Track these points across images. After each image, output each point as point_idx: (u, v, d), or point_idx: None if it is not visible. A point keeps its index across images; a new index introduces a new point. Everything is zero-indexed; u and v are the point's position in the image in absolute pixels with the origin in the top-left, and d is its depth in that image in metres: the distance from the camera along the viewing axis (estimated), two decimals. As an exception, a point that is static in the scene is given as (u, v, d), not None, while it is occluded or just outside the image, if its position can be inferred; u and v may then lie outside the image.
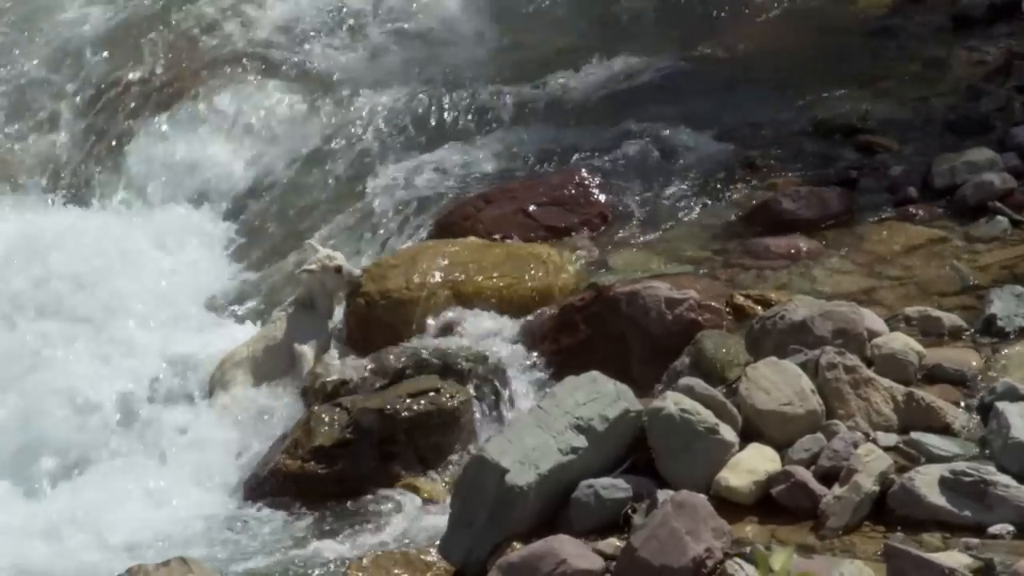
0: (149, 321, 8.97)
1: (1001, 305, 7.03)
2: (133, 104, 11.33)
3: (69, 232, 9.87)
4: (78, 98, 11.53)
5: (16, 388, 8.62)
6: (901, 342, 6.63)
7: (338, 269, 8.20)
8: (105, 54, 11.81)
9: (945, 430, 6.12)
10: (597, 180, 9.06)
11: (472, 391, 7.62)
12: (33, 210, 10.55)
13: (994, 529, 5.57)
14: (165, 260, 9.68)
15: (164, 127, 10.98)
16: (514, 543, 5.89)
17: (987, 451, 5.96)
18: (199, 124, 10.92)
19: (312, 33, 11.63)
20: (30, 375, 8.66)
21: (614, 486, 5.97)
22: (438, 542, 6.30)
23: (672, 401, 6.09)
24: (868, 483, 5.75)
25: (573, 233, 8.75)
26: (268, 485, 7.60)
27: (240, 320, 9.06)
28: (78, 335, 8.87)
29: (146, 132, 11.02)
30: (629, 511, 5.89)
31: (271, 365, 8.19)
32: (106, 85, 11.55)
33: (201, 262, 9.77)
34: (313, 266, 8.22)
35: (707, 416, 6.07)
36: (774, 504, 5.87)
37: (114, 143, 11.11)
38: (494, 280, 8.26)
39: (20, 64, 11.93)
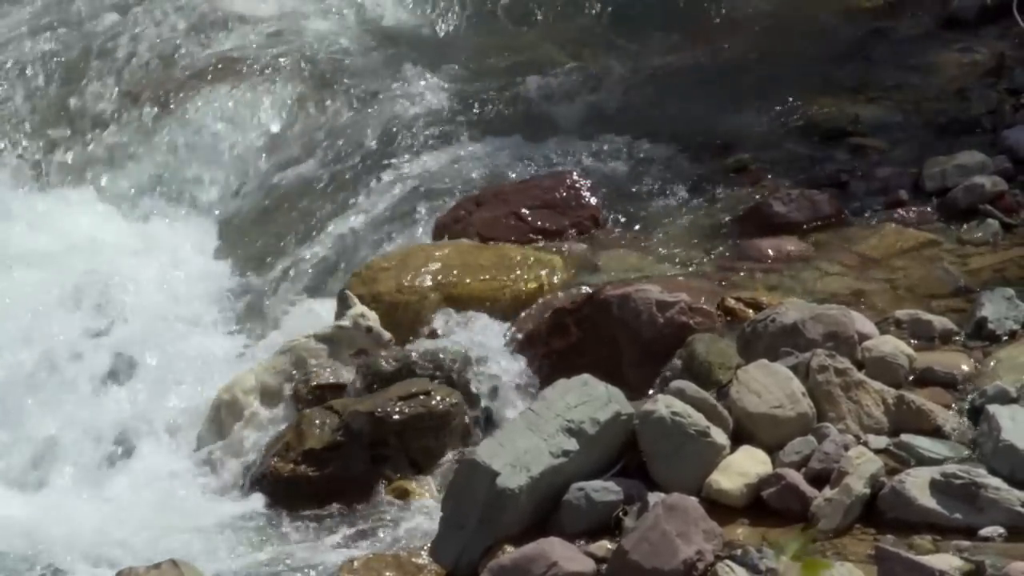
0: (142, 326, 8.96)
1: (992, 308, 7.04)
2: (121, 105, 11.33)
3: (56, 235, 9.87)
4: (65, 99, 11.54)
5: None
6: (892, 345, 6.64)
7: (368, 330, 8.08)
8: (89, 55, 11.81)
9: (936, 433, 6.13)
10: (588, 183, 9.05)
11: (463, 394, 7.62)
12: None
13: (985, 531, 5.58)
14: (156, 266, 9.67)
15: (153, 128, 10.98)
16: (505, 546, 5.89)
17: (978, 454, 5.97)
18: (189, 126, 10.91)
19: (302, 36, 11.62)
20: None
21: (605, 489, 5.97)
22: (429, 545, 6.30)
23: (663, 404, 6.09)
24: (859, 485, 5.75)
25: (564, 235, 8.75)
26: (259, 487, 7.59)
27: (231, 327, 9.06)
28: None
29: (136, 133, 11.03)
30: (620, 514, 5.90)
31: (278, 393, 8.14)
32: (93, 87, 11.55)
33: (194, 266, 9.76)
34: (346, 322, 8.11)
35: (698, 419, 6.07)
36: (765, 506, 5.88)
37: (103, 144, 11.12)
38: (485, 283, 8.26)
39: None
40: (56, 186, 10.88)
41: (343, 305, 8.16)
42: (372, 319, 8.06)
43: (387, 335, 8.03)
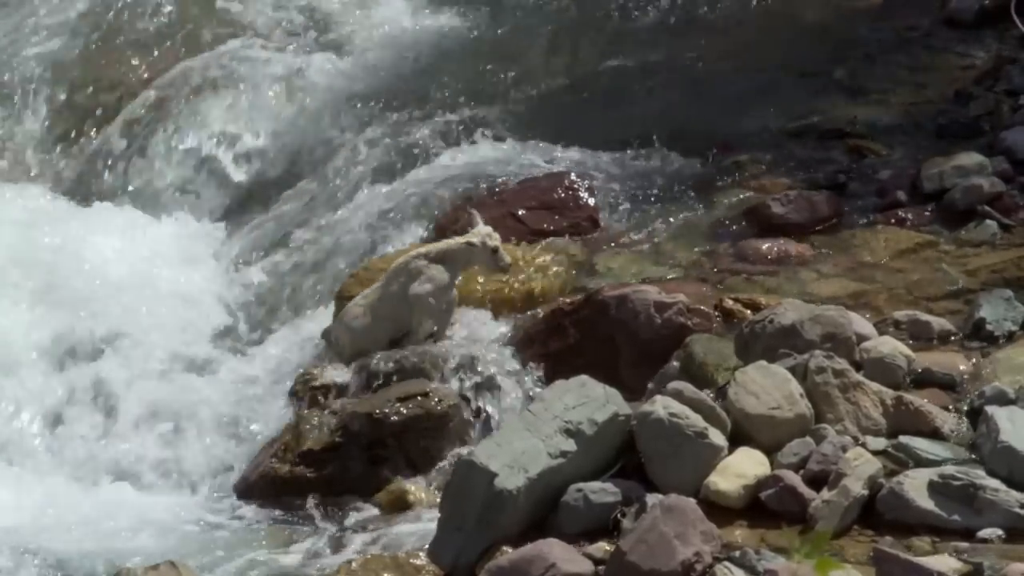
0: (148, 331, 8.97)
1: (990, 309, 7.04)
2: (120, 111, 11.33)
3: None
4: (70, 105, 11.53)
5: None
6: (890, 346, 6.64)
7: (495, 251, 8.01)
8: (88, 61, 11.81)
9: (934, 434, 6.12)
10: (586, 184, 9.05)
11: (461, 395, 7.62)
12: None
13: (983, 533, 5.57)
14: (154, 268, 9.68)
15: (153, 137, 10.98)
16: (503, 547, 5.88)
17: (976, 455, 5.96)
18: (191, 131, 10.92)
19: (304, 42, 11.63)
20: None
21: (603, 490, 5.96)
22: (427, 546, 6.29)
23: (661, 405, 6.08)
24: (857, 487, 5.75)
25: (562, 237, 8.74)
26: (257, 489, 7.61)
27: (228, 327, 9.07)
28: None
29: (137, 136, 11.03)
30: (618, 515, 5.89)
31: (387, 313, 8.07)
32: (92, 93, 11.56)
33: (192, 267, 9.76)
34: (476, 240, 8.04)
35: (696, 420, 6.06)
36: (763, 508, 5.87)
37: (103, 154, 11.12)
38: (483, 284, 8.26)
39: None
40: (58, 190, 10.88)
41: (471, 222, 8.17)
42: (497, 240, 8.04)
43: (508, 259, 8.02)
